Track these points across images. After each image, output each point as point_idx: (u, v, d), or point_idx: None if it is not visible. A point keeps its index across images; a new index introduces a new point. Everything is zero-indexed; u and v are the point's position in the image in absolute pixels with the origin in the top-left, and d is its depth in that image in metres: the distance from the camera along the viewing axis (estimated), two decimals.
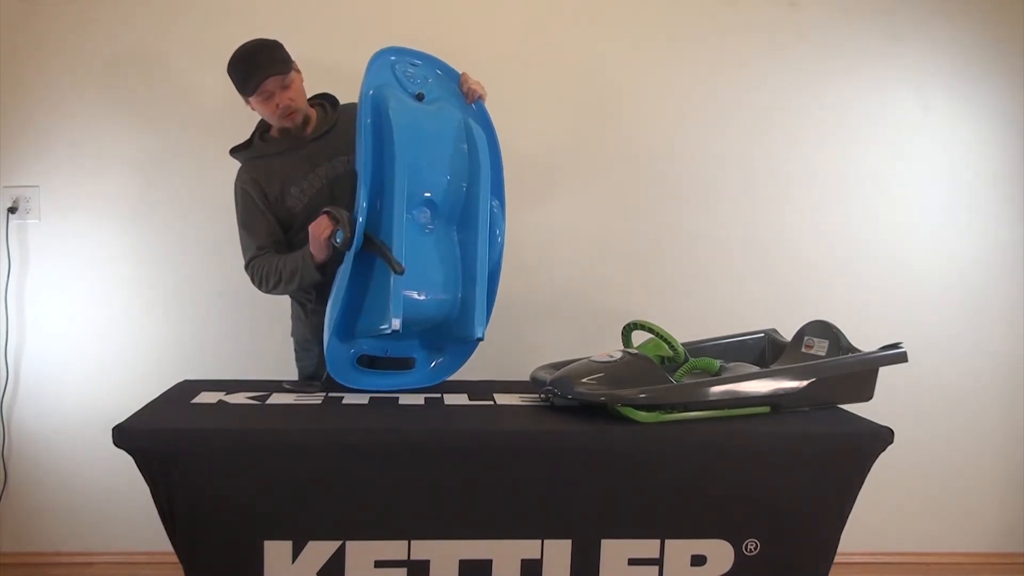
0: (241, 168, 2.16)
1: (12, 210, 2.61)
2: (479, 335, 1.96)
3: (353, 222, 1.88)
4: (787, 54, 2.75)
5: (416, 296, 1.91)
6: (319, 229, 1.93)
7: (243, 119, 2.27)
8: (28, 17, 2.57)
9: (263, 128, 2.19)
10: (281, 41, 2.07)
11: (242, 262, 2.14)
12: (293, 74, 2.07)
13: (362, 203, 1.89)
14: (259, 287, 2.12)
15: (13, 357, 2.67)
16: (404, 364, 2.09)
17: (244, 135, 2.22)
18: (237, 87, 2.05)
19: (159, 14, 2.60)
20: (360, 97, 1.94)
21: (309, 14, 2.60)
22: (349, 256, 1.91)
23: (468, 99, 2.11)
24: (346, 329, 1.97)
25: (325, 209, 1.95)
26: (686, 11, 2.72)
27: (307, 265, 1.99)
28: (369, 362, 2.05)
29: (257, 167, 2.13)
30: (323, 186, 2.12)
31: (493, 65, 2.62)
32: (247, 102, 2.09)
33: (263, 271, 2.08)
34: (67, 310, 2.66)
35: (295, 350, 2.32)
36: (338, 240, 1.90)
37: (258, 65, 2.01)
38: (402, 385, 2.04)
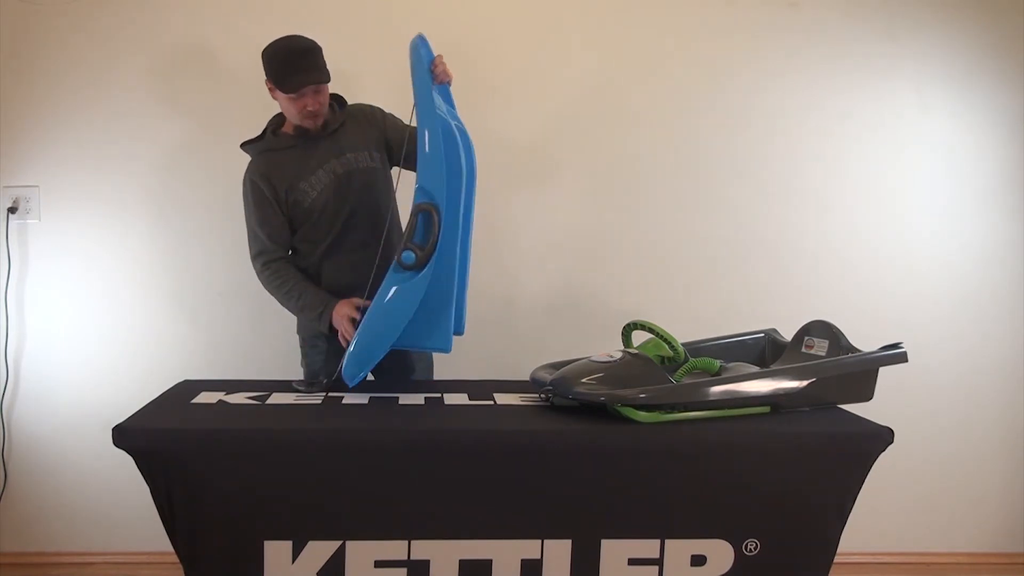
0: (251, 161, 2.21)
1: (12, 210, 2.61)
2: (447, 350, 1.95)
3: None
4: (787, 54, 2.75)
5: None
6: (343, 324, 2.06)
7: (245, 120, 2.28)
8: (28, 17, 2.57)
9: (276, 124, 2.24)
10: None
11: (244, 260, 2.15)
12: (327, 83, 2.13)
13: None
14: (264, 282, 2.19)
15: (13, 357, 2.67)
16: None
17: (246, 135, 2.23)
18: (274, 78, 2.09)
19: (159, 14, 2.60)
20: (428, 117, 1.84)
21: (307, 17, 2.60)
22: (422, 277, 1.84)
23: (439, 79, 2.04)
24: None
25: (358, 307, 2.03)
26: (687, 11, 2.72)
27: (321, 322, 2.12)
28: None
29: (268, 161, 2.18)
30: (331, 181, 2.18)
31: (496, 62, 2.64)
32: (271, 90, 2.14)
33: (281, 278, 2.17)
34: (67, 310, 2.66)
35: (301, 347, 2.32)
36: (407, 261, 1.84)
37: (307, 69, 2.07)
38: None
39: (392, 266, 1.85)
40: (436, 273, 1.84)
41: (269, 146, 2.20)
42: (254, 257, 2.20)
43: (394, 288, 1.84)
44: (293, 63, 2.07)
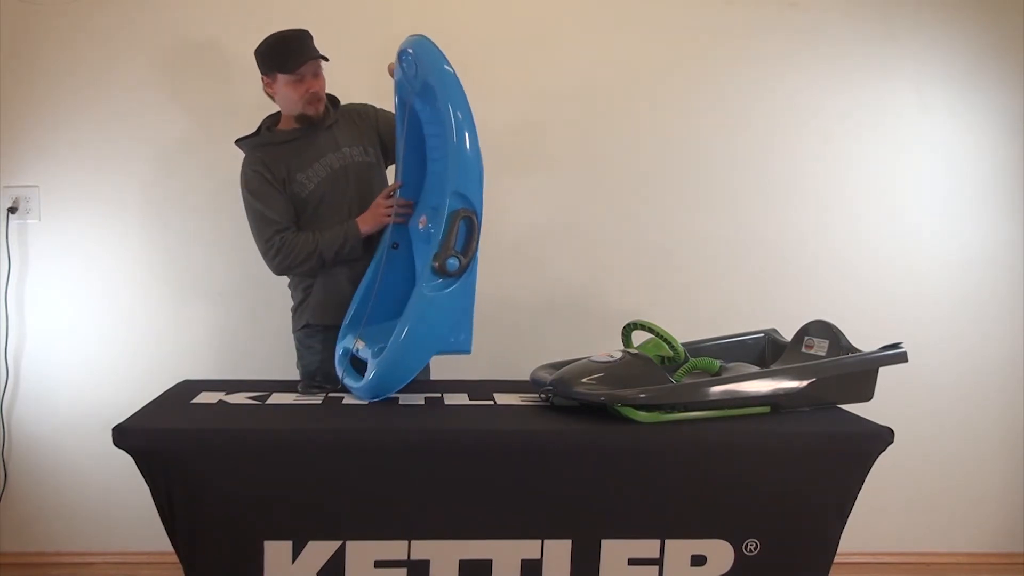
0: (247, 156, 2.22)
1: (12, 210, 2.61)
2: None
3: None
4: (787, 54, 2.75)
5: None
6: (381, 218, 2.11)
7: (242, 119, 2.28)
8: (28, 17, 2.57)
9: (271, 122, 2.26)
10: None
11: (244, 260, 2.15)
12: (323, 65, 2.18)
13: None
14: (279, 263, 2.16)
15: (13, 357, 2.66)
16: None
17: (243, 134, 2.23)
18: (273, 65, 2.13)
19: (159, 14, 2.60)
20: (468, 119, 1.83)
21: (307, 17, 2.60)
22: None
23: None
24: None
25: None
26: (687, 11, 2.72)
27: (353, 234, 2.13)
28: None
29: (265, 154, 2.19)
30: (328, 175, 2.20)
31: (494, 62, 2.64)
32: (268, 85, 2.16)
33: (293, 245, 2.14)
34: (67, 310, 2.66)
35: (296, 348, 2.32)
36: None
37: (305, 50, 2.12)
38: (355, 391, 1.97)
39: (428, 273, 1.81)
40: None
41: (266, 140, 2.22)
42: (267, 241, 2.15)
43: (434, 298, 1.81)
44: (289, 49, 2.12)
